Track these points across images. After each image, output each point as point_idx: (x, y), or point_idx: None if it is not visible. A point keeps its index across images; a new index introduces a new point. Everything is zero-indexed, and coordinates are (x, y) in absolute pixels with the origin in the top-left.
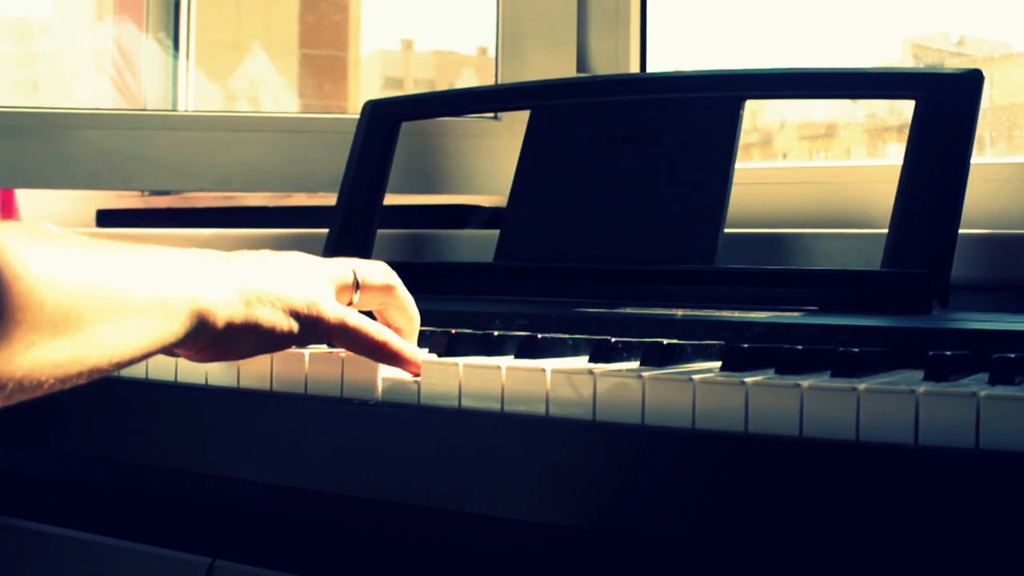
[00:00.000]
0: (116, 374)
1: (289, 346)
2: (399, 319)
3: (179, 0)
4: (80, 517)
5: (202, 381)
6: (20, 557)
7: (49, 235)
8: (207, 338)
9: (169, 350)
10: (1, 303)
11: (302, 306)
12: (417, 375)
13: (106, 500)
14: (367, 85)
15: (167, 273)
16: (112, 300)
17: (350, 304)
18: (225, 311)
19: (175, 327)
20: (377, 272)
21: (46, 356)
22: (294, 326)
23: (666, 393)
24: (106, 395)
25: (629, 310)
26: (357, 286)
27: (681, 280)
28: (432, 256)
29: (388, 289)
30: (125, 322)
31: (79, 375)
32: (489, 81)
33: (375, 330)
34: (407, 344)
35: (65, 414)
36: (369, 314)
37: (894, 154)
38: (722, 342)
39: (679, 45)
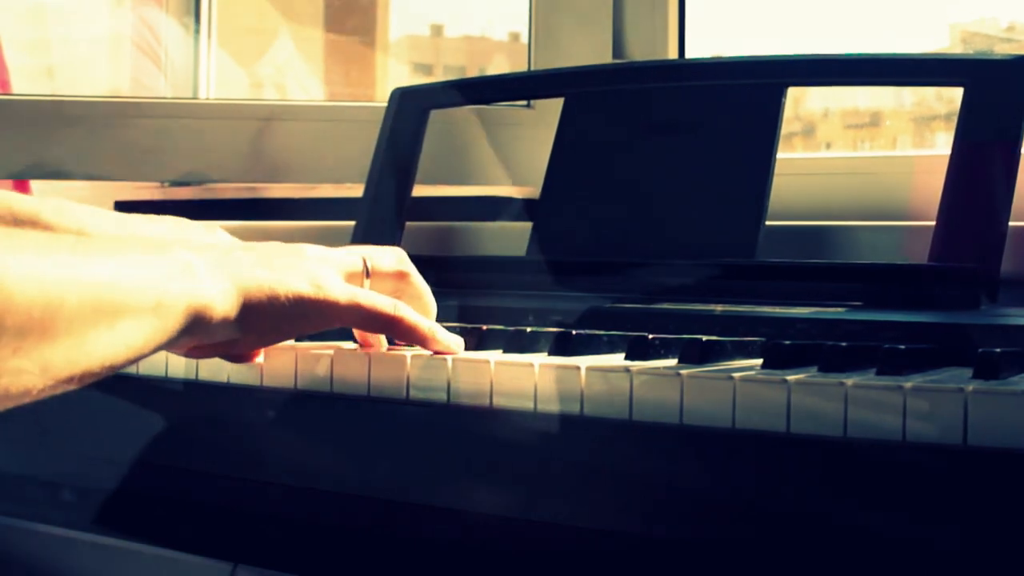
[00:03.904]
0: (135, 373)
1: (295, 335)
2: (415, 308)
3: None
4: (100, 520)
5: (224, 380)
6: (39, 561)
7: (37, 235)
8: (204, 334)
9: (165, 348)
10: None
11: (308, 291)
12: (438, 352)
13: (125, 503)
14: (395, 72)
15: (162, 270)
16: (104, 302)
17: None
18: (222, 305)
19: (170, 325)
20: (389, 259)
21: (34, 362)
22: (300, 313)
23: (705, 392)
24: (123, 395)
25: (667, 305)
26: (368, 274)
27: (720, 274)
28: (462, 249)
29: (401, 276)
30: (118, 324)
31: (70, 380)
32: (521, 67)
33: (389, 305)
34: (425, 320)
35: (81, 415)
36: None
37: (941, 144)
38: (763, 339)
39: (718, 30)
